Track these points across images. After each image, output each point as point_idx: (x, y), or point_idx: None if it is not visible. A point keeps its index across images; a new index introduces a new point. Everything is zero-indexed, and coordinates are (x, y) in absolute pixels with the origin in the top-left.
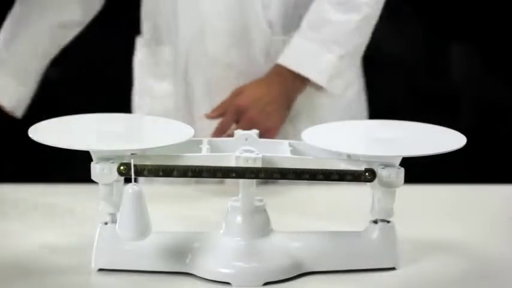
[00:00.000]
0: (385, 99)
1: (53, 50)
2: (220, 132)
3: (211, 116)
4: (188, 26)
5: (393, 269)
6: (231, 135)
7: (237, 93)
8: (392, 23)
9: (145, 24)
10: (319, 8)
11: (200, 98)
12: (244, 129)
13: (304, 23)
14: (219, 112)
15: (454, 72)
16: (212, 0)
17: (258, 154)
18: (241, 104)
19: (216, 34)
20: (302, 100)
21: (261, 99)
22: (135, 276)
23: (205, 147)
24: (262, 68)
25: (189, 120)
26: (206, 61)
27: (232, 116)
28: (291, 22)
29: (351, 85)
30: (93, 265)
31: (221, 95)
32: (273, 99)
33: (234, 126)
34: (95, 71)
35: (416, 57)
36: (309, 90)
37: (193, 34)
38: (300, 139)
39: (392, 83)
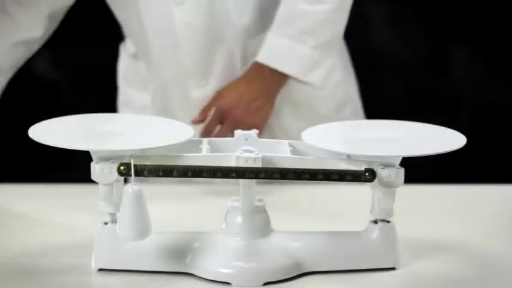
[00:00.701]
0: (385, 99)
1: (17, 65)
2: (205, 136)
3: (196, 122)
4: (160, 39)
5: (393, 269)
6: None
7: (218, 95)
8: (392, 24)
9: (126, 36)
10: (291, 1)
11: (178, 109)
12: (229, 129)
13: (277, 18)
14: (203, 117)
15: (454, 72)
16: (183, 11)
17: (258, 154)
18: (224, 106)
19: (189, 45)
20: (282, 92)
21: (243, 98)
22: (135, 276)
23: (205, 147)
24: (240, 71)
25: None
26: (182, 72)
27: (215, 119)
28: (267, 22)
29: (332, 72)
30: (93, 265)
31: (200, 105)
32: (255, 96)
33: (218, 127)
34: (95, 70)
35: (416, 57)
36: (289, 82)
37: (166, 47)
38: (284, 132)
39: (392, 83)
